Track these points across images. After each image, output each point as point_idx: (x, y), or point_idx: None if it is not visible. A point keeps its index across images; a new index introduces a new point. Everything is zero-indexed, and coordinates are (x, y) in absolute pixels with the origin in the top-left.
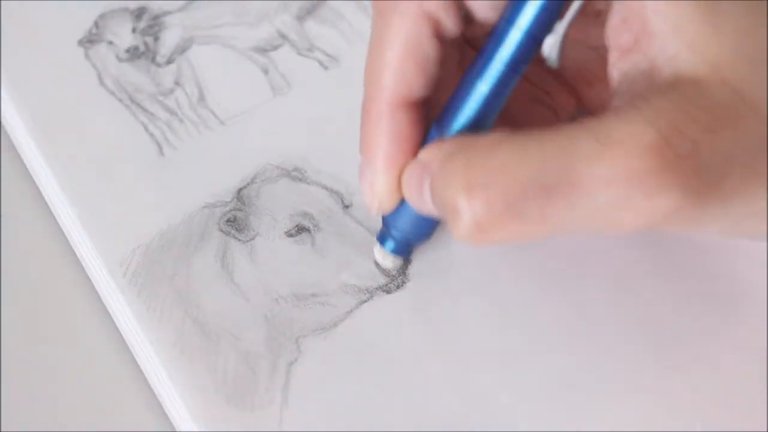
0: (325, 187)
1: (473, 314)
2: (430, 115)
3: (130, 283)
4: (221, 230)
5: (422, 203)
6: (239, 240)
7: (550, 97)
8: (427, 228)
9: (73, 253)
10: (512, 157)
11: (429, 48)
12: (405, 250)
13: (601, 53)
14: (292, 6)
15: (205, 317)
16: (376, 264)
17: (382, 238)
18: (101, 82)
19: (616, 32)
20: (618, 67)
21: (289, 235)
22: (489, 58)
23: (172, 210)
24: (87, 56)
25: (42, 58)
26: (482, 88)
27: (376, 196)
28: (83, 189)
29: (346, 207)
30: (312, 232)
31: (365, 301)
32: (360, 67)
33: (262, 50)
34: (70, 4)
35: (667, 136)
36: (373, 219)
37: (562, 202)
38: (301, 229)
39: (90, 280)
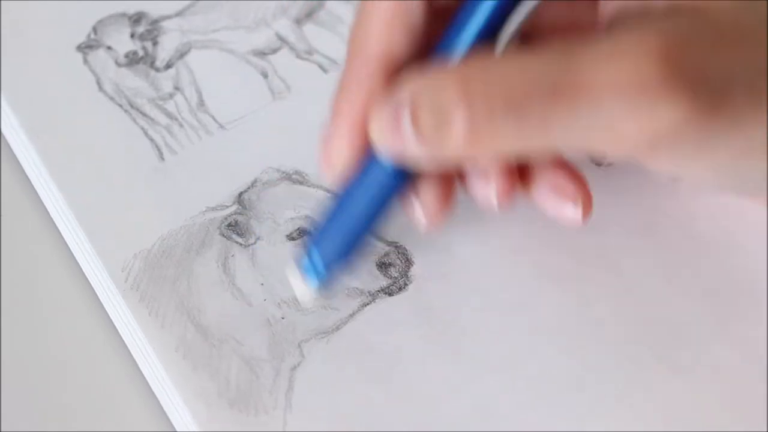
0: (327, 190)
1: (475, 316)
2: None
3: (132, 288)
4: (222, 235)
5: (397, 134)
6: (241, 244)
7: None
8: (353, 252)
9: (74, 260)
10: (512, 66)
11: (417, 11)
12: (326, 286)
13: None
14: (290, 9)
15: (208, 322)
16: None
17: (304, 272)
18: (100, 88)
19: None
20: (611, 4)
21: (291, 238)
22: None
23: (173, 215)
24: (86, 62)
25: (40, 64)
26: (473, 24)
27: (336, 160)
28: (83, 195)
29: None
30: None
31: (367, 304)
32: None
33: (261, 54)
34: (68, 9)
35: (675, 44)
36: None
37: (565, 107)
38: (302, 233)
39: (91, 286)
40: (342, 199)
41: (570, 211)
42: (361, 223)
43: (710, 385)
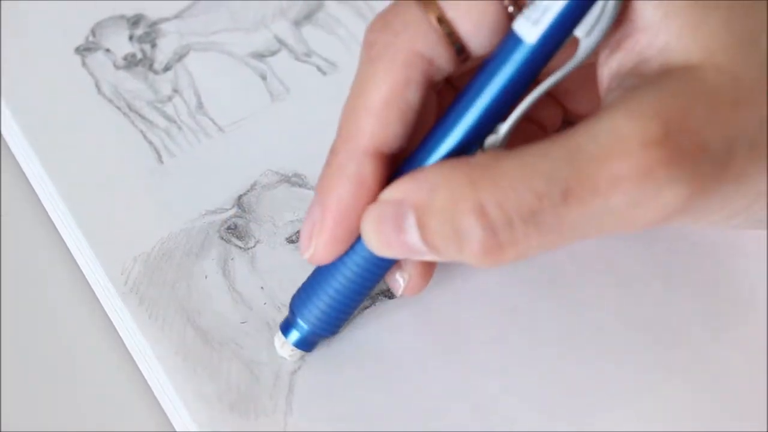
0: None
1: (476, 319)
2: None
3: (132, 291)
4: (222, 238)
5: (402, 244)
6: (240, 247)
7: (536, 111)
8: (336, 322)
9: (74, 262)
10: (519, 170)
11: (414, 95)
12: (308, 345)
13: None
14: (289, 11)
15: (208, 325)
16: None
17: (285, 328)
18: (99, 90)
19: None
20: (607, 66)
21: (290, 241)
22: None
23: (173, 218)
24: (84, 64)
25: (39, 67)
26: (468, 117)
27: (315, 242)
28: (83, 198)
29: None
30: None
31: (368, 307)
32: None
33: (260, 56)
34: (66, 12)
35: (669, 127)
36: None
37: (578, 207)
38: None
39: (91, 289)
40: (324, 271)
41: (395, 280)
42: (345, 296)
43: (710, 385)
